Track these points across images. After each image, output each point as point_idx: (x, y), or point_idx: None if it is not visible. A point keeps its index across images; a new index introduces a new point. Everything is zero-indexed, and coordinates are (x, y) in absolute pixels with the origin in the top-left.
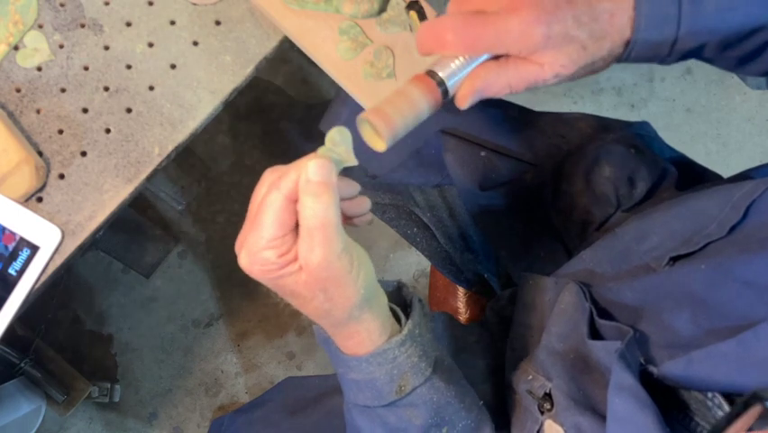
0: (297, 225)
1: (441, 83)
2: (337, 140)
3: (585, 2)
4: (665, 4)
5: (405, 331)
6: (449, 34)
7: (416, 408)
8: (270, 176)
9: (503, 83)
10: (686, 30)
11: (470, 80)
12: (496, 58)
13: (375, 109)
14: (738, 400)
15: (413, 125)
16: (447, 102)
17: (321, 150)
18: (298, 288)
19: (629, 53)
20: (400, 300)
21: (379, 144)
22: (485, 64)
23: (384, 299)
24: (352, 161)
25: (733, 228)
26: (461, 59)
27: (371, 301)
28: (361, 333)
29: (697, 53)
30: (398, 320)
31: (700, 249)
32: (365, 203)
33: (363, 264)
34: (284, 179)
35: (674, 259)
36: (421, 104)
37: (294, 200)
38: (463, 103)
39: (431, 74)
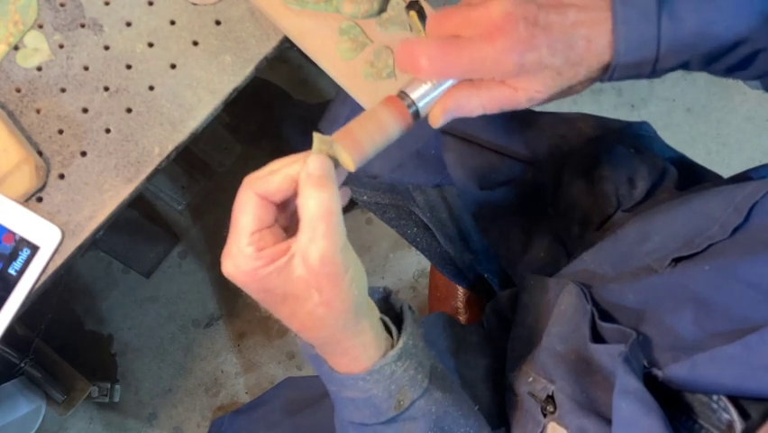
0: (277, 223)
1: (411, 105)
2: (321, 143)
3: (561, 29)
4: (644, 26)
5: (400, 344)
6: (423, 60)
7: (416, 421)
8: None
9: (476, 104)
10: (666, 49)
11: (443, 101)
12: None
13: (345, 132)
14: (754, 412)
15: (382, 147)
16: (419, 121)
17: (315, 149)
18: (291, 286)
19: (611, 75)
20: (388, 309)
21: (348, 164)
22: (460, 85)
23: (376, 311)
24: (348, 165)
25: (735, 230)
26: (434, 80)
27: (364, 309)
28: (357, 348)
29: (682, 68)
30: (388, 330)
31: (703, 250)
32: (346, 195)
33: (356, 268)
34: (257, 180)
35: (676, 260)
36: (391, 127)
37: (268, 199)
38: (436, 123)
39: (402, 95)
